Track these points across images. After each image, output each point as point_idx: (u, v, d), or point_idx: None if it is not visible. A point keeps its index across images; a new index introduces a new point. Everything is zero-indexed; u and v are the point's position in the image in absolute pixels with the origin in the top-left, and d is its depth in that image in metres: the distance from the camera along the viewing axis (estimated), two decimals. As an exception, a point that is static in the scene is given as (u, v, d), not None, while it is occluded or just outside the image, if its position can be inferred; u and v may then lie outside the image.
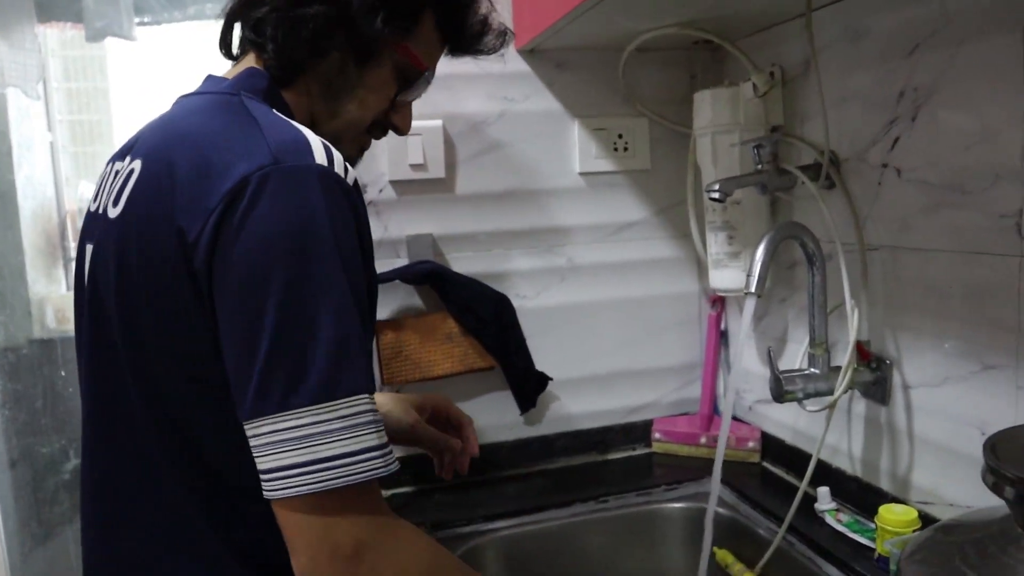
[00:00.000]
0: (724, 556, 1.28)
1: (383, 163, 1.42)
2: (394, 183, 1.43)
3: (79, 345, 0.90)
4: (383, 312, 1.43)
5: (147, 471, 0.83)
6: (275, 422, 0.71)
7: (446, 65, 1.02)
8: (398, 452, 0.79)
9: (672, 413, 1.61)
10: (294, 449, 0.70)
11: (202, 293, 0.75)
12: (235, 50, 0.97)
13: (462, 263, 1.47)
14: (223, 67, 0.96)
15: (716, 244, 1.36)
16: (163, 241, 0.75)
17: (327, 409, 0.71)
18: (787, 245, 1.32)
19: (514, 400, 1.51)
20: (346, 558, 0.72)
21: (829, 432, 1.22)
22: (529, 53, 1.46)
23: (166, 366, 0.79)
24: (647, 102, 1.52)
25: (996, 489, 0.65)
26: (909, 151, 1.08)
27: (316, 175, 0.74)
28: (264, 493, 0.72)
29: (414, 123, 1.03)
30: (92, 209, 0.90)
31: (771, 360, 1.17)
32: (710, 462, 1.15)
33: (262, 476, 0.72)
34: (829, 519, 1.20)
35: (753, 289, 1.08)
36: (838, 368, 1.16)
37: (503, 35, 1.05)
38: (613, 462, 1.57)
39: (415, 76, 0.95)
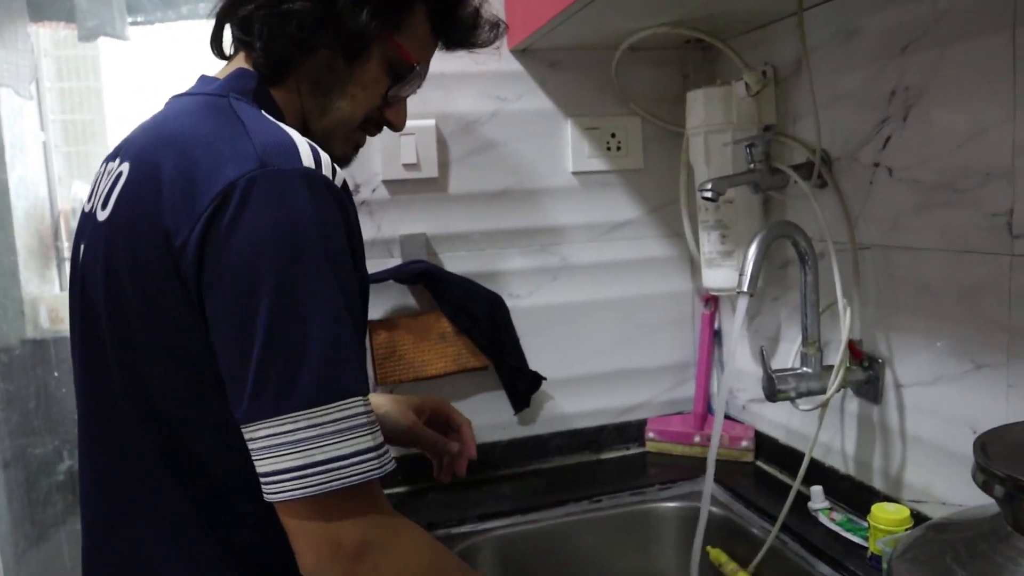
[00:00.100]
0: (718, 555, 1.28)
1: (376, 163, 1.41)
2: (387, 183, 1.43)
3: (73, 345, 0.91)
4: (376, 312, 1.43)
5: (140, 471, 0.83)
6: (271, 426, 0.71)
7: (438, 64, 1.02)
8: (393, 452, 0.79)
9: (666, 412, 1.61)
10: (290, 453, 0.71)
11: (191, 296, 0.75)
12: (228, 50, 0.97)
13: (455, 263, 1.47)
14: (216, 67, 0.96)
15: (709, 243, 1.36)
16: (150, 244, 0.75)
17: (320, 413, 0.71)
18: (780, 244, 1.32)
19: (508, 400, 1.51)
20: (349, 557, 0.74)
21: (822, 431, 1.22)
22: (522, 52, 1.46)
23: (154, 366, 0.79)
24: (640, 101, 1.52)
25: (986, 488, 0.65)
26: (900, 150, 1.08)
27: (303, 178, 0.74)
28: (264, 496, 0.73)
29: (407, 123, 1.02)
30: (86, 209, 0.90)
31: (764, 359, 1.17)
32: (704, 461, 1.15)
33: (262, 479, 0.73)
34: (822, 518, 1.20)
35: (745, 288, 1.08)
36: (830, 367, 1.17)
37: (496, 27, 1.04)
38: (607, 461, 1.57)
39: (406, 71, 0.94)
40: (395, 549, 0.77)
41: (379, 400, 1.21)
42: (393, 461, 0.77)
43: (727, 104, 1.30)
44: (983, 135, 0.95)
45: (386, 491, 1.40)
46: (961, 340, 1.02)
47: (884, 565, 1.02)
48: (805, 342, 1.19)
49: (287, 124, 0.89)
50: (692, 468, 1.47)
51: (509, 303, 1.49)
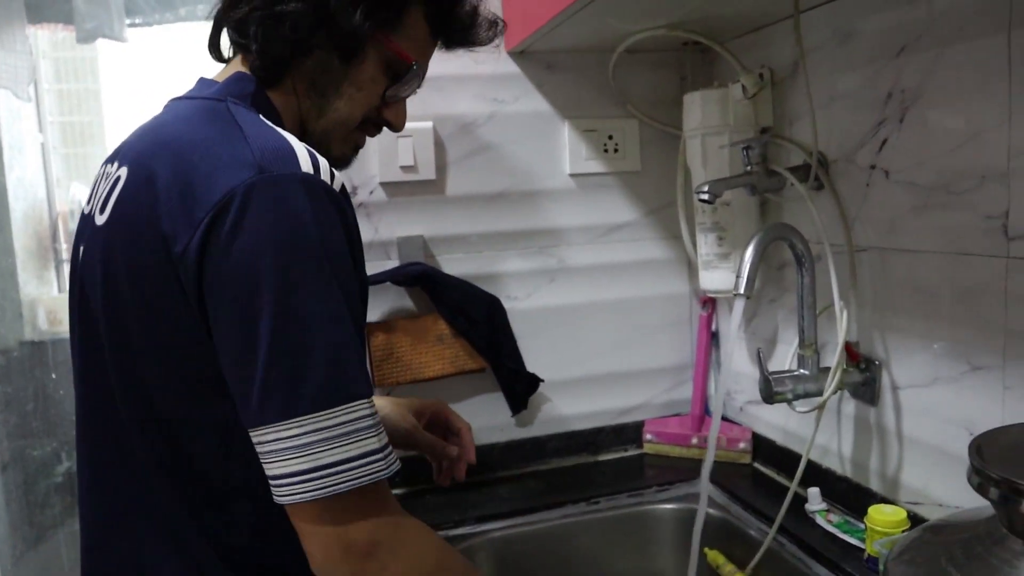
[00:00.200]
0: (715, 557, 1.28)
1: (373, 165, 1.42)
2: (384, 185, 1.43)
3: (72, 346, 0.91)
4: (374, 314, 1.43)
5: (137, 473, 0.84)
6: (278, 430, 0.72)
7: (436, 66, 1.02)
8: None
9: (663, 414, 1.61)
10: (299, 456, 0.72)
11: (190, 301, 0.75)
12: (227, 53, 0.97)
13: (453, 264, 1.47)
14: (214, 68, 0.96)
15: (706, 245, 1.36)
16: (148, 249, 0.75)
17: (327, 416, 0.72)
18: (777, 246, 1.32)
19: (505, 401, 1.52)
20: (358, 556, 0.75)
21: (819, 433, 1.22)
22: (519, 54, 1.46)
23: (152, 369, 0.80)
24: (637, 103, 1.52)
25: (981, 490, 0.65)
26: (897, 152, 1.08)
27: (301, 183, 0.74)
28: (274, 498, 0.74)
29: (405, 125, 1.02)
30: (85, 212, 0.90)
31: (761, 361, 1.17)
32: (701, 463, 1.15)
33: (271, 481, 0.74)
34: (819, 520, 1.20)
35: (742, 290, 1.08)
36: (827, 369, 1.17)
37: (495, 25, 1.03)
38: (604, 463, 1.57)
39: (404, 70, 0.94)
40: (403, 548, 0.78)
41: (379, 403, 1.21)
42: (398, 461, 0.78)
43: (724, 106, 1.31)
44: (979, 137, 0.95)
45: (384, 493, 1.42)
46: (957, 342, 1.02)
47: (880, 567, 1.02)
48: (802, 344, 1.19)
49: (285, 126, 0.89)
50: (690, 470, 1.47)
51: (507, 305, 1.49)
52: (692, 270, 1.57)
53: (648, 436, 1.59)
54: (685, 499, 1.40)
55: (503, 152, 1.48)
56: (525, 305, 1.51)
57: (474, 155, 1.47)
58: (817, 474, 1.28)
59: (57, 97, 1.94)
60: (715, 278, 1.36)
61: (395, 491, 1.42)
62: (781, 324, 1.38)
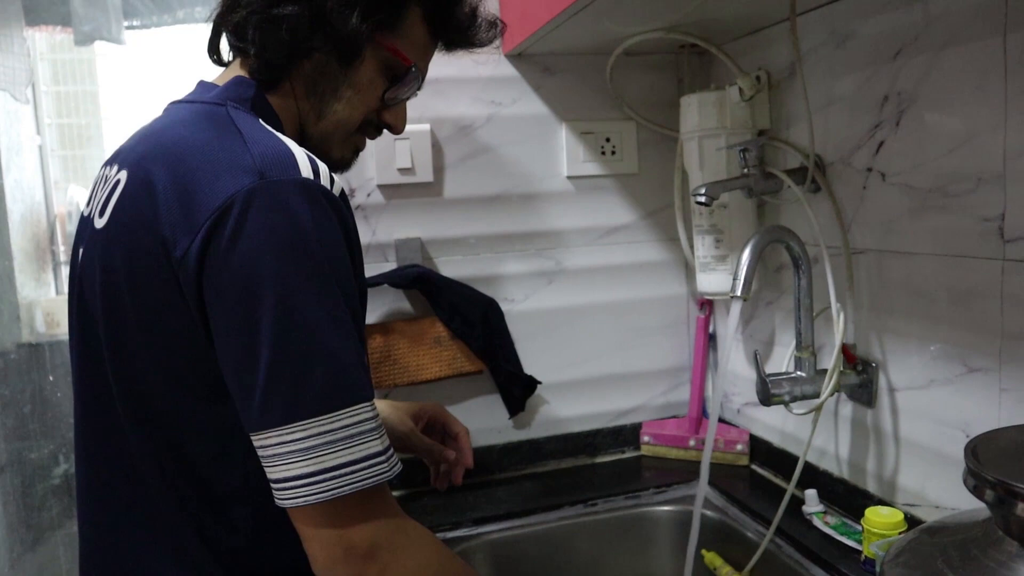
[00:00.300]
0: (712, 559, 1.28)
1: (371, 167, 1.42)
2: (382, 187, 1.43)
3: (71, 347, 0.91)
4: (371, 316, 1.43)
5: (135, 476, 0.84)
6: (281, 434, 0.72)
7: (433, 68, 1.02)
8: (393, 455, 0.80)
9: (661, 416, 1.61)
10: (301, 460, 0.72)
11: (189, 305, 0.75)
12: (227, 56, 0.97)
13: (450, 267, 1.47)
14: (213, 71, 0.96)
15: (703, 247, 1.37)
16: (148, 253, 0.76)
17: (329, 420, 0.73)
18: (774, 248, 1.33)
19: (503, 404, 1.52)
20: (360, 558, 0.75)
21: (816, 435, 1.22)
22: (516, 57, 1.47)
23: (150, 372, 0.80)
24: (635, 106, 1.53)
25: (977, 492, 0.66)
26: (893, 155, 1.08)
27: (301, 188, 0.75)
28: (276, 501, 0.74)
29: (405, 127, 1.02)
30: (85, 214, 0.90)
31: (758, 363, 1.17)
32: (699, 465, 1.15)
33: (273, 485, 0.74)
34: (816, 521, 1.21)
35: (739, 293, 1.08)
36: (824, 371, 1.17)
37: (494, 26, 1.03)
38: (602, 465, 1.57)
39: (402, 72, 0.94)
40: (404, 550, 0.78)
41: (378, 406, 1.21)
42: (400, 463, 0.78)
43: (721, 109, 1.31)
44: (975, 140, 0.95)
45: (381, 495, 1.42)
46: (954, 344, 1.02)
47: (877, 569, 1.02)
48: (799, 346, 1.19)
49: (285, 130, 0.89)
50: (687, 472, 1.47)
51: (504, 307, 1.49)
52: (689, 272, 1.58)
53: (645, 438, 1.59)
54: (682, 501, 1.41)
55: (501, 154, 1.48)
56: (523, 307, 1.52)
57: (472, 157, 1.47)
58: (814, 476, 1.29)
59: (55, 99, 1.94)
60: (712, 280, 1.37)
61: (393, 493, 1.42)
62: (778, 326, 1.39)
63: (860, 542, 1.11)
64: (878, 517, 1.05)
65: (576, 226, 1.53)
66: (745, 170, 1.27)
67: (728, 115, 1.31)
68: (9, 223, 1.74)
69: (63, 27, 1.77)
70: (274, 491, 0.74)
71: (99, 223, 0.83)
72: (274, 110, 0.90)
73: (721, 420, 1.57)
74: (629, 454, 1.60)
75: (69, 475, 1.71)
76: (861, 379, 1.17)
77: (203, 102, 0.86)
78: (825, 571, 1.12)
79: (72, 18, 1.66)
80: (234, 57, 0.94)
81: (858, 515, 1.11)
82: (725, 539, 1.31)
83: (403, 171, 1.43)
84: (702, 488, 1.13)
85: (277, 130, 0.83)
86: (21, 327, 1.77)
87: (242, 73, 0.90)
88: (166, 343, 0.78)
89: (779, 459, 1.40)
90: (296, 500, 0.73)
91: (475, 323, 1.45)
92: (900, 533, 1.03)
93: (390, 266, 1.44)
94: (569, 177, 1.52)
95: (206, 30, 0.96)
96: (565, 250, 1.53)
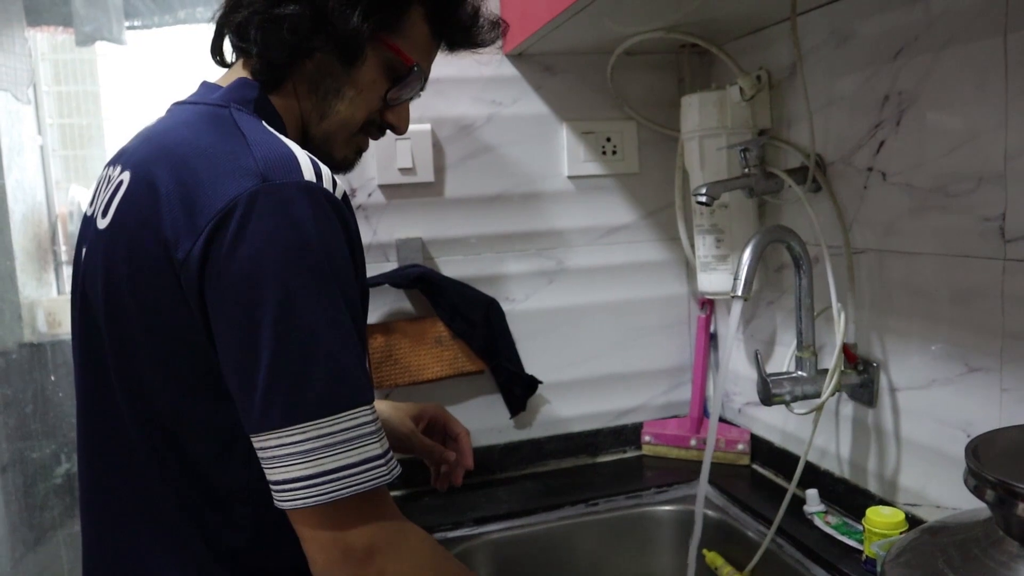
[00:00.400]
0: (713, 558, 1.28)
1: (372, 167, 1.42)
2: (383, 187, 1.43)
3: (74, 347, 0.91)
4: (372, 316, 1.43)
5: (136, 474, 0.84)
6: (281, 436, 0.73)
7: (434, 68, 1.02)
8: (393, 456, 0.80)
9: (662, 416, 1.61)
10: (301, 462, 0.72)
11: (191, 306, 0.75)
12: (230, 57, 0.97)
13: (451, 267, 1.47)
14: (214, 71, 0.96)
15: (704, 247, 1.37)
16: (150, 255, 0.76)
17: (329, 423, 0.73)
18: (775, 248, 1.33)
19: (504, 403, 1.52)
20: (358, 560, 0.75)
21: (817, 434, 1.22)
22: (517, 57, 1.47)
23: (152, 372, 0.80)
24: (635, 105, 1.53)
25: (977, 492, 0.66)
26: (894, 154, 1.08)
27: (304, 191, 0.75)
28: (275, 503, 0.75)
29: (408, 127, 1.02)
30: (88, 214, 0.90)
31: (759, 363, 1.17)
32: (700, 464, 1.15)
33: (272, 487, 0.74)
34: (818, 521, 1.21)
35: (740, 292, 1.08)
36: (825, 371, 1.17)
37: (496, 26, 1.03)
38: (603, 465, 1.57)
39: (404, 72, 0.94)
40: (402, 553, 0.78)
41: (378, 406, 1.21)
42: (399, 466, 0.78)
43: (722, 108, 1.31)
44: (976, 139, 0.95)
45: (382, 495, 1.42)
46: (955, 344, 1.02)
47: (878, 568, 1.02)
48: (800, 346, 1.19)
49: (288, 130, 0.89)
50: (688, 471, 1.47)
51: (505, 307, 1.49)
52: (690, 272, 1.58)
53: (647, 438, 1.59)
54: (683, 501, 1.41)
55: (501, 154, 1.48)
56: (524, 307, 1.52)
57: (472, 157, 1.47)
58: (815, 476, 1.28)
59: (56, 99, 1.94)
60: (713, 280, 1.37)
61: (393, 493, 1.42)
62: (779, 326, 1.39)
63: (861, 542, 1.11)
64: (879, 517, 1.05)
65: (577, 226, 1.53)
66: (746, 170, 1.27)
67: (729, 115, 1.31)
68: (11, 223, 1.74)
69: (64, 27, 1.77)
70: (273, 493, 0.74)
71: (102, 224, 0.83)
72: (277, 112, 0.90)
73: (722, 420, 1.57)
74: (630, 454, 1.60)
75: (71, 475, 1.72)
76: (862, 379, 1.17)
77: (207, 103, 0.86)
78: (826, 571, 1.11)
79: (73, 18, 1.66)
80: (237, 58, 0.94)
81: (859, 515, 1.10)
82: (726, 539, 1.31)
83: (404, 171, 1.43)
84: (703, 488, 1.13)
85: (280, 132, 0.83)
86: (23, 327, 1.77)
87: (245, 74, 0.90)
88: (168, 344, 0.78)
89: (780, 459, 1.40)
90: (295, 502, 0.73)
91: (476, 323, 1.45)
92: (901, 533, 1.03)
93: (391, 266, 1.44)
94: (570, 177, 1.52)
95: (207, 30, 0.96)
96: (566, 250, 1.53)
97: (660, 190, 1.56)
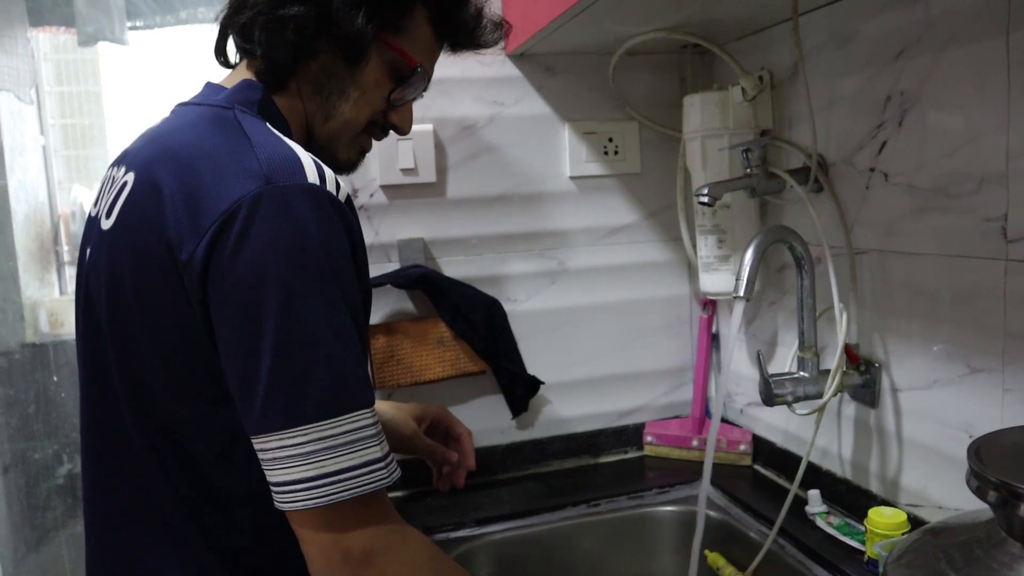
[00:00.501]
0: (715, 559, 1.28)
1: (374, 168, 1.42)
2: (385, 187, 1.43)
3: (77, 348, 0.91)
4: (375, 316, 1.43)
5: (138, 475, 0.84)
6: (281, 439, 0.73)
7: (436, 69, 1.02)
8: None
9: (664, 416, 1.61)
10: (301, 464, 0.73)
11: (194, 308, 0.75)
12: (234, 59, 0.97)
13: (453, 267, 1.47)
14: (216, 71, 0.96)
15: (706, 247, 1.37)
16: (154, 256, 0.76)
17: (330, 425, 0.73)
18: (776, 248, 1.32)
19: (506, 404, 1.52)
20: (357, 563, 0.75)
21: (819, 435, 1.22)
22: (519, 57, 1.47)
23: (155, 373, 0.80)
24: (637, 106, 1.53)
25: (980, 493, 0.66)
26: (896, 155, 1.08)
27: (307, 193, 0.75)
28: (275, 504, 0.75)
29: (411, 128, 1.02)
30: (91, 214, 0.90)
31: (761, 363, 1.17)
32: (702, 465, 1.15)
33: (272, 488, 0.75)
34: (820, 522, 1.20)
35: (741, 293, 1.08)
36: (827, 371, 1.17)
37: (499, 26, 1.03)
38: (605, 465, 1.57)
39: (408, 73, 0.94)
40: (401, 556, 0.78)
41: (380, 407, 1.22)
42: (399, 469, 0.78)
43: (724, 109, 1.31)
44: (978, 140, 0.95)
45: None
46: (957, 344, 1.02)
47: (880, 569, 1.02)
48: (802, 346, 1.19)
49: (292, 131, 0.90)
50: (690, 472, 1.47)
51: (507, 307, 1.49)
52: (692, 272, 1.58)
53: (648, 438, 1.59)
54: (685, 501, 1.40)
55: (503, 155, 1.48)
56: (526, 307, 1.52)
57: (474, 158, 1.47)
58: (817, 476, 1.28)
59: (58, 100, 1.94)
60: (715, 280, 1.36)
61: (396, 494, 1.43)
62: (781, 326, 1.39)
63: (863, 543, 1.11)
64: (881, 518, 1.05)
65: (579, 226, 1.53)
66: (748, 170, 1.27)
67: (731, 115, 1.30)
68: (13, 223, 1.74)
69: (67, 28, 1.77)
70: (273, 494, 0.75)
71: (106, 224, 0.83)
72: (281, 113, 0.90)
73: (724, 420, 1.57)
74: (632, 454, 1.60)
75: (73, 475, 1.72)
76: (864, 379, 1.17)
77: (211, 105, 0.86)
78: (828, 572, 1.11)
79: (75, 19, 1.66)
80: (241, 59, 0.95)
81: (861, 515, 1.10)
82: (728, 539, 1.31)
83: (406, 171, 1.43)
84: (705, 488, 1.13)
85: (284, 133, 0.83)
86: (25, 327, 1.78)
87: (249, 75, 0.90)
88: (170, 344, 0.79)
89: (782, 459, 1.40)
90: (295, 504, 0.73)
91: (478, 323, 1.45)
92: (903, 534, 1.03)
93: (393, 266, 1.44)
94: (572, 177, 1.52)
95: (209, 30, 0.96)
96: (568, 250, 1.53)
97: (662, 190, 1.56)
